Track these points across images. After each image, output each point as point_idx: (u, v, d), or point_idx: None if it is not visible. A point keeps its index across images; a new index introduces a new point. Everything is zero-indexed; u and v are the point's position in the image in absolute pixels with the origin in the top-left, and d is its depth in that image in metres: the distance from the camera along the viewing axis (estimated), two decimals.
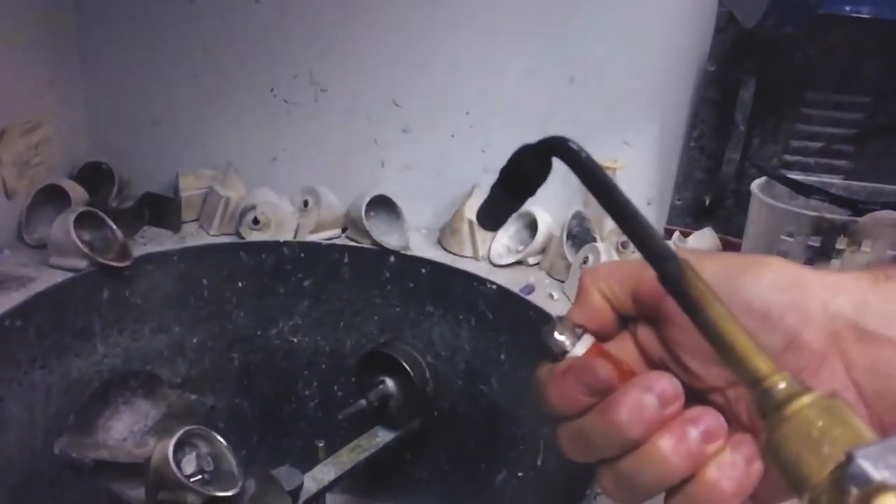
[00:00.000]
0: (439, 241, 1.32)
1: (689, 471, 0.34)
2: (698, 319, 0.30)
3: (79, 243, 1.07)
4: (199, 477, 0.82)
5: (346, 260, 1.28)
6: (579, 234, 1.24)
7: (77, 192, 1.21)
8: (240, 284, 1.28)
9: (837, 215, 1.02)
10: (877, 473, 0.23)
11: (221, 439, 0.85)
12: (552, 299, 1.16)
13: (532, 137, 0.37)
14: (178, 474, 0.79)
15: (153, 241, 1.25)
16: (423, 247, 1.30)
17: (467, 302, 1.23)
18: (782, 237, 1.02)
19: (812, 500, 0.25)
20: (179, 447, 0.81)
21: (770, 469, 0.34)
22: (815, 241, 1.00)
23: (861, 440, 0.25)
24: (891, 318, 0.33)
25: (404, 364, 1.15)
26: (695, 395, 0.37)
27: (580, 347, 0.38)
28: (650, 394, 0.34)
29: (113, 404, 0.97)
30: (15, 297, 1.01)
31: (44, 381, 1.05)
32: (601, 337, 0.39)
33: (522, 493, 1.16)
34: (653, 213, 1.34)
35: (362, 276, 1.29)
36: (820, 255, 1.00)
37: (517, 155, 0.37)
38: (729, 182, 1.25)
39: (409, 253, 1.26)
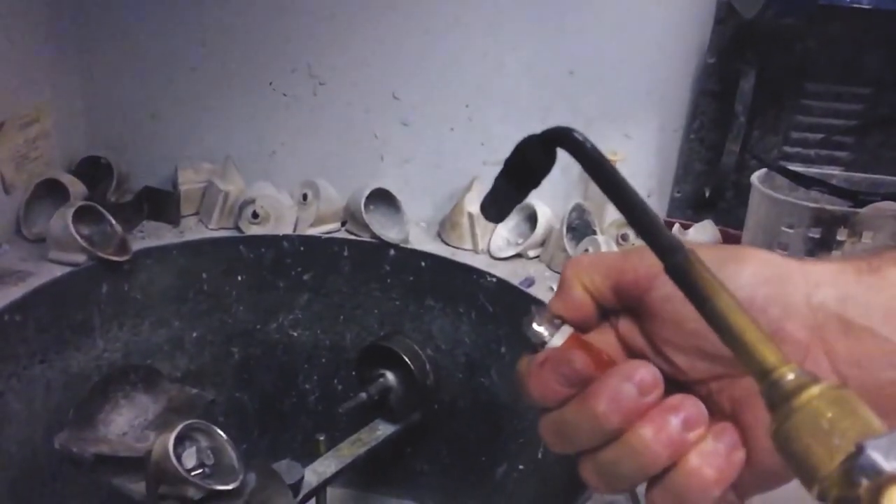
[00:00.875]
0: (439, 235, 1.32)
1: (670, 459, 0.34)
2: (706, 310, 0.30)
3: (78, 238, 1.07)
4: (200, 471, 0.82)
5: (345, 253, 1.28)
6: (579, 227, 1.24)
7: (76, 186, 1.21)
8: (239, 278, 1.28)
9: (838, 206, 1.02)
10: (887, 465, 0.22)
11: (222, 433, 0.85)
12: (552, 292, 1.16)
13: (532, 130, 0.36)
14: (179, 468, 0.78)
15: (152, 236, 1.24)
16: (422, 240, 1.30)
17: (467, 295, 1.22)
18: (783, 229, 1.02)
19: (822, 491, 0.24)
20: (180, 441, 0.81)
21: (753, 459, 0.35)
22: (816, 233, 1.00)
23: (871, 431, 0.25)
24: (874, 309, 0.33)
25: (405, 357, 1.15)
26: (677, 388, 0.36)
27: (558, 338, 0.38)
28: (628, 383, 0.34)
29: (113, 399, 0.97)
30: (14, 292, 1.01)
31: (43, 376, 1.05)
32: (582, 328, 0.39)
33: (523, 486, 1.16)
34: (653, 205, 1.34)
35: (362, 269, 1.29)
36: (820, 247, 1.00)
37: (521, 145, 0.36)
38: (729, 174, 1.24)
39: (408, 246, 1.26)
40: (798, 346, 0.33)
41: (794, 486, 0.29)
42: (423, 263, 1.26)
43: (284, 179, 1.34)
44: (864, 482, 0.23)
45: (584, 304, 0.39)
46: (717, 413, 0.36)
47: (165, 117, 1.37)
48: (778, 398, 0.27)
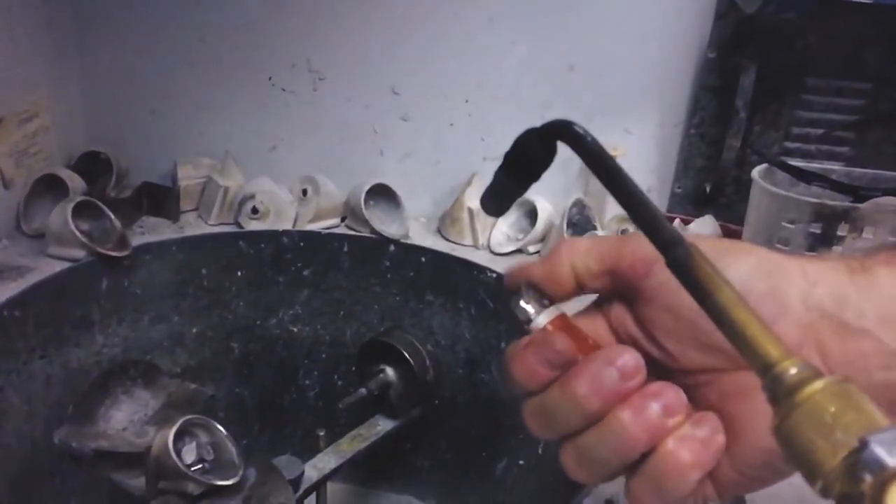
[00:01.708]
0: (439, 230, 1.32)
1: (649, 444, 0.34)
2: (707, 305, 0.30)
3: (77, 233, 1.07)
4: (200, 466, 0.82)
5: (345, 249, 1.28)
6: (580, 222, 1.24)
7: (75, 181, 1.20)
8: (239, 274, 1.28)
9: (839, 202, 1.02)
10: (891, 460, 0.22)
11: (221, 428, 0.85)
12: None
13: (532, 125, 0.36)
14: (179, 464, 0.78)
15: (152, 231, 1.24)
16: (422, 235, 1.30)
17: (467, 290, 1.22)
18: (783, 224, 1.02)
19: (825, 487, 0.24)
20: (179, 437, 0.81)
21: (736, 456, 0.35)
22: (817, 228, 1.00)
23: (875, 426, 0.25)
24: (868, 310, 0.33)
25: (405, 353, 1.15)
26: (666, 377, 0.36)
27: (544, 317, 0.38)
28: (611, 367, 0.35)
29: (113, 394, 0.97)
30: (13, 287, 1.01)
31: (43, 371, 1.05)
32: (553, 301, 0.39)
33: (523, 482, 1.16)
34: (653, 200, 1.30)
35: (362, 265, 1.28)
36: (821, 242, 0.99)
37: (521, 139, 0.36)
38: (730, 169, 1.24)
39: (408, 242, 1.26)
40: (791, 344, 0.33)
41: (793, 487, 0.28)
42: (423, 259, 1.25)
43: (284, 175, 1.33)
44: (868, 478, 0.23)
45: (563, 281, 0.39)
46: (702, 405, 0.36)
47: (165, 113, 1.37)
48: (780, 392, 0.27)
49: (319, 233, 1.28)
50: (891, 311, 0.33)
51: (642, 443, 0.34)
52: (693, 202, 1.31)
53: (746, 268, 0.35)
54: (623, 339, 0.39)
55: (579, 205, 1.24)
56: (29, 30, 1.19)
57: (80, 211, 1.10)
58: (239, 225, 1.27)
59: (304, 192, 1.29)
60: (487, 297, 1.20)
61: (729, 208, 1.27)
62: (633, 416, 0.34)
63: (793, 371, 0.27)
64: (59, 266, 1.07)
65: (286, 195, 1.29)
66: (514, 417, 1.18)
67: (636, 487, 0.35)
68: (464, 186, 1.30)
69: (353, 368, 1.22)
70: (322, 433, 1.15)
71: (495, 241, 1.27)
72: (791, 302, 0.34)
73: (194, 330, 1.27)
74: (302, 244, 1.28)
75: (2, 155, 1.13)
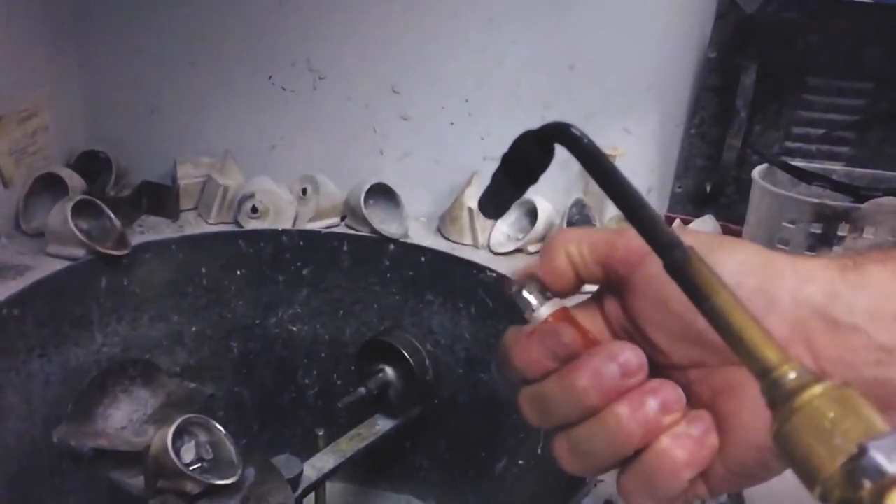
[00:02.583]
0: (439, 230, 1.31)
1: (643, 440, 0.34)
2: (705, 308, 0.30)
3: (76, 232, 1.07)
4: (198, 465, 0.82)
5: (345, 248, 1.28)
6: (579, 222, 1.24)
7: (74, 180, 1.20)
8: (238, 273, 1.28)
9: (839, 202, 1.01)
10: (891, 466, 0.22)
11: (220, 428, 0.85)
12: None
13: (532, 125, 0.36)
14: (177, 463, 0.78)
15: (151, 230, 1.24)
16: (422, 235, 1.29)
17: (467, 290, 1.22)
18: (784, 224, 1.02)
19: (824, 493, 0.24)
20: (178, 436, 0.81)
21: (727, 452, 0.34)
22: (817, 228, 0.99)
23: (874, 431, 0.24)
24: (859, 307, 0.33)
25: (404, 352, 1.15)
26: (656, 372, 0.36)
27: (546, 309, 0.38)
28: (613, 363, 0.34)
29: (111, 393, 0.97)
30: (12, 286, 1.01)
31: (42, 370, 1.05)
32: (559, 296, 0.39)
33: (522, 481, 1.16)
34: (653, 200, 1.33)
35: (362, 264, 1.28)
36: (821, 242, 0.99)
37: (519, 141, 0.36)
38: (730, 169, 1.24)
39: (408, 241, 1.26)
40: (780, 341, 0.33)
41: (793, 487, 0.28)
42: (422, 258, 1.25)
43: (284, 174, 1.33)
44: (867, 484, 0.22)
45: (564, 274, 0.39)
46: (695, 402, 0.36)
47: (164, 112, 1.37)
48: (779, 397, 0.27)
49: (319, 232, 1.28)
50: (882, 307, 0.33)
51: (637, 438, 0.34)
52: (693, 202, 1.31)
53: (736, 264, 0.34)
54: (617, 333, 0.39)
55: (579, 204, 1.24)
56: (29, 29, 1.18)
57: (80, 210, 1.10)
58: (238, 224, 1.26)
59: (304, 191, 1.29)
60: (487, 297, 1.20)
61: (729, 208, 1.27)
62: (629, 411, 0.34)
63: (791, 375, 0.27)
64: (58, 265, 1.07)
65: (286, 194, 1.29)
66: (514, 417, 1.18)
67: (628, 483, 0.35)
68: (464, 186, 1.30)
69: (353, 368, 1.22)
70: (321, 432, 1.15)
71: (495, 241, 1.27)
72: (780, 298, 0.34)
73: (193, 329, 1.27)
74: (301, 243, 1.28)
75: (1, 153, 1.12)
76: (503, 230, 1.29)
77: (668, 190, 1.33)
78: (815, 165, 1.14)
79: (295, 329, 1.34)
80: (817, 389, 0.26)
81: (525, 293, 0.39)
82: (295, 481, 0.98)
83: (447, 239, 1.29)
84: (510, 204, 0.39)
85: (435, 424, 1.31)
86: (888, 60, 1.17)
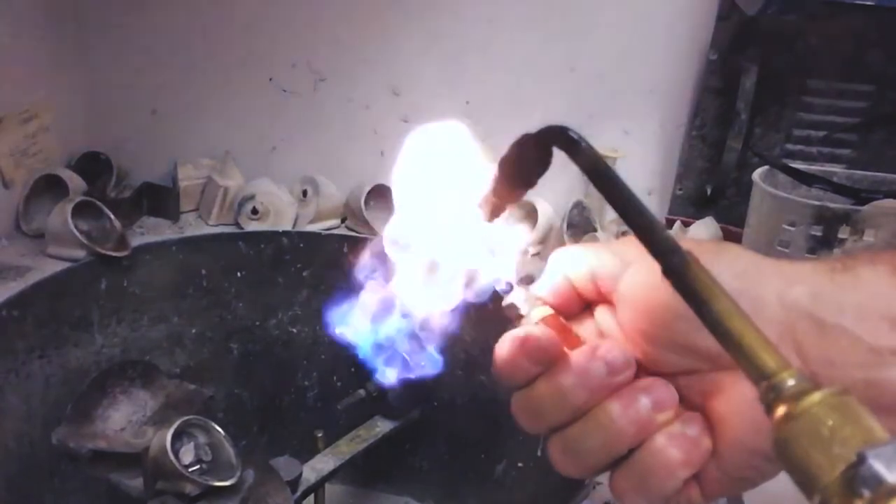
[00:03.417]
0: None
1: (637, 438, 0.34)
2: (703, 314, 0.30)
3: (76, 233, 1.07)
4: (198, 467, 0.82)
5: (345, 250, 1.28)
6: (580, 224, 1.24)
7: (75, 181, 1.20)
8: (239, 274, 1.27)
9: (840, 204, 1.01)
10: (890, 475, 0.22)
11: (220, 429, 0.85)
12: None
13: (532, 127, 0.36)
14: (176, 464, 0.78)
15: (151, 231, 1.24)
16: None
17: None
18: (784, 226, 1.02)
19: (823, 501, 0.24)
20: (177, 437, 0.81)
21: (720, 456, 0.34)
22: (818, 231, 0.99)
23: (873, 439, 0.24)
24: (847, 308, 0.33)
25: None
26: None
27: (535, 314, 0.39)
28: (598, 360, 0.35)
29: (111, 394, 0.97)
30: (13, 287, 1.01)
31: (42, 372, 1.05)
32: (564, 316, 0.40)
33: (522, 483, 1.16)
34: (654, 202, 1.33)
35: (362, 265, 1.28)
36: (822, 245, 0.99)
37: (517, 144, 0.36)
38: (731, 171, 1.24)
39: None
40: None
41: (792, 491, 0.28)
42: None
43: (284, 175, 1.33)
44: (866, 493, 0.22)
45: (564, 292, 0.40)
46: (686, 407, 0.36)
47: (165, 113, 1.36)
48: (777, 404, 0.27)
49: (319, 234, 1.27)
50: (870, 306, 0.33)
51: (630, 436, 0.34)
52: (694, 204, 1.31)
53: (723, 266, 0.34)
54: None
55: (579, 206, 1.24)
56: (30, 30, 1.18)
57: (80, 211, 1.10)
58: (239, 225, 1.26)
59: (305, 192, 1.29)
60: (487, 298, 1.20)
61: (730, 210, 1.27)
62: (621, 409, 0.34)
63: (790, 382, 0.27)
64: (58, 266, 1.07)
65: (286, 196, 1.29)
66: (514, 419, 1.18)
67: (621, 482, 0.35)
68: None
69: (352, 370, 1.22)
70: (321, 434, 1.14)
71: None
72: (768, 300, 0.34)
73: (193, 330, 1.27)
74: (302, 245, 1.27)
75: (2, 155, 1.13)
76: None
77: (669, 192, 1.32)
78: (815, 168, 1.14)
79: (295, 331, 1.34)
80: (816, 397, 0.26)
81: (510, 298, 0.39)
82: (294, 483, 0.98)
83: None
84: (507, 207, 0.39)
85: (434, 426, 1.30)
86: (889, 63, 1.17)
